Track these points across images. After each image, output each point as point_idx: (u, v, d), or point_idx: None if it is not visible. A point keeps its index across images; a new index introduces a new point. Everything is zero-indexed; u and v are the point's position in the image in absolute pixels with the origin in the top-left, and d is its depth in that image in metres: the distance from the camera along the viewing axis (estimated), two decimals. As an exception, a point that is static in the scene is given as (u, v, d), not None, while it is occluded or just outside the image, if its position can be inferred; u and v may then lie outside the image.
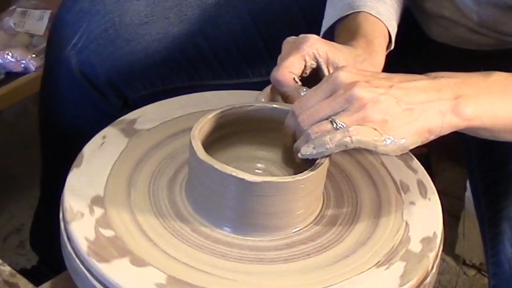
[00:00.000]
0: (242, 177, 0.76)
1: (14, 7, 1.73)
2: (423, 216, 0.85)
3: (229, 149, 0.87)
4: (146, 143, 0.89)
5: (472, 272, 1.63)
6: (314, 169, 0.78)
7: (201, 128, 0.81)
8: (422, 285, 0.79)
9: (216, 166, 0.77)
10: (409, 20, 1.04)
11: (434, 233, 0.83)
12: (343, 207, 0.85)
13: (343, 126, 0.76)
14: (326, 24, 0.98)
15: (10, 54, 1.59)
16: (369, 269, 0.78)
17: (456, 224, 1.57)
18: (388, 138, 0.76)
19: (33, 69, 1.59)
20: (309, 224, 0.82)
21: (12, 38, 1.65)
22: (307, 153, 0.77)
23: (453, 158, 1.50)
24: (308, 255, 0.79)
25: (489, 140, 0.85)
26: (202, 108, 0.93)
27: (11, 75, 1.59)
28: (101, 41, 1.09)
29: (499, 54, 1.08)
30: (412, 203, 0.86)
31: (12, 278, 0.86)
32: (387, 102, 0.76)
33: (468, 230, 1.57)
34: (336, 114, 0.76)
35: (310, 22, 1.15)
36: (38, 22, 1.70)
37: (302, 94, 0.83)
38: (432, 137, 0.79)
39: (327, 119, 0.77)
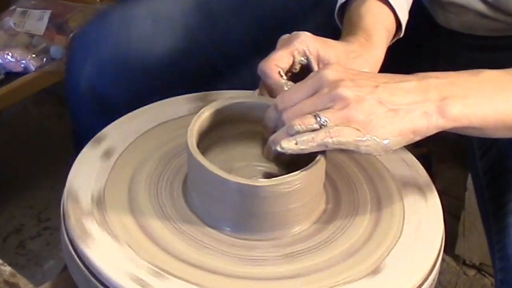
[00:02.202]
0: (239, 181, 0.76)
1: (14, 7, 1.73)
2: (423, 213, 0.85)
3: (226, 149, 0.87)
4: (144, 146, 0.89)
5: (472, 272, 1.63)
6: (310, 168, 0.78)
7: (197, 128, 0.81)
8: (425, 284, 0.79)
9: (212, 170, 0.77)
10: (417, 8, 1.04)
11: (435, 230, 0.83)
12: (342, 206, 0.85)
13: (326, 121, 0.76)
14: (337, 5, 0.98)
15: (10, 54, 1.59)
16: (372, 267, 0.78)
17: (456, 224, 1.58)
18: (371, 138, 0.76)
19: (33, 69, 1.59)
20: (309, 225, 0.82)
21: (12, 38, 1.65)
22: (289, 148, 0.76)
23: (453, 158, 1.50)
24: (310, 255, 0.79)
25: None
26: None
27: (11, 75, 1.59)
28: (111, 66, 1.09)
29: (508, 43, 1.08)
30: (411, 199, 0.86)
31: (12, 278, 0.86)
32: (370, 102, 0.76)
33: (468, 230, 1.57)
34: (320, 111, 0.76)
35: (308, 17, 1.15)
36: (38, 22, 1.70)
37: (285, 88, 0.83)
38: (417, 138, 0.79)
39: (310, 114, 0.76)
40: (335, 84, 0.77)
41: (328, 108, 0.76)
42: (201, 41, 1.12)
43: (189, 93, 1.03)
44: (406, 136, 0.77)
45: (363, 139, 0.76)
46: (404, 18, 0.97)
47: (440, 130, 0.79)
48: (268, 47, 1.13)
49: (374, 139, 0.76)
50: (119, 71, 1.09)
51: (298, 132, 0.76)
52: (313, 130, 0.76)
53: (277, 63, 0.84)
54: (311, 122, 0.76)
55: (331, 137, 0.75)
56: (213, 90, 1.10)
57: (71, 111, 1.18)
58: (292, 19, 1.16)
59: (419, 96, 0.78)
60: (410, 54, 1.11)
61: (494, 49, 1.08)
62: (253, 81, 1.15)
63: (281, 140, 0.76)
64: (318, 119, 0.76)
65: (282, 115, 0.78)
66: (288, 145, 0.76)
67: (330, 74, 0.78)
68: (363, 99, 0.76)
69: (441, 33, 1.12)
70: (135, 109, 1.01)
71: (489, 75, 0.82)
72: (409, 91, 0.78)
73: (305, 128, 0.76)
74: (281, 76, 0.84)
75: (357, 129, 0.75)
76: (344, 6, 0.98)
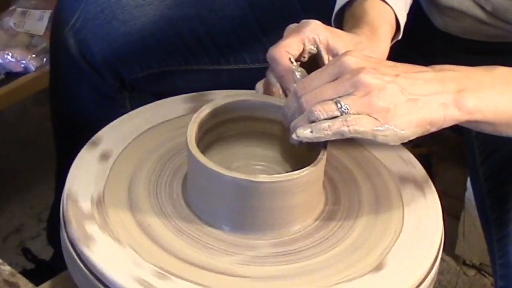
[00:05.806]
0: (239, 177, 0.76)
1: (14, 7, 1.73)
2: (422, 210, 0.85)
3: (226, 148, 0.87)
4: (142, 147, 0.89)
5: (472, 272, 1.63)
6: (314, 166, 0.78)
7: (197, 125, 0.81)
8: (424, 282, 0.79)
9: (212, 168, 0.77)
10: (415, 10, 1.04)
11: (434, 227, 0.83)
12: (342, 205, 0.85)
13: (347, 108, 0.75)
14: (336, 7, 0.98)
15: (10, 54, 1.58)
16: (371, 266, 0.78)
17: (456, 224, 1.57)
18: (389, 128, 0.75)
19: (33, 69, 1.59)
20: (309, 223, 0.82)
21: (12, 38, 1.65)
22: (304, 136, 0.76)
23: (453, 158, 1.50)
24: (309, 254, 0.79)
25: (493, 139, 0.85)
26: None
27: (11, 75, 1.58)
28: (98, 21, 1.12)
29: (506, 48, 1.08)
30: (410, 197, 0.86)
31: (12, 278, 0.86)
32: (393, 90, 0.76)
33: (468, 230, 1.57)
34: (340, 97, 0.76)
35: (307, 8, 1.15)
36: (38, 22, 1.70)
37: (296, 74, 0.82)
38: (433, 129, 0.78)
39: (331, 100, 0.76)
40: (357, 70, 0.76)
41: (349, 94, 0.76)
42: (188, 12, 1.14)
43: (172, 61, 1.06)
44: (423, 127, 0.77)
45: (381, 128, 0.75)
46: (402, 20, 0.97)
47: (455, 122, 0.79)
48: (258, 29, 1.14)
49: (392, 129, 0.75)
50: (102, 27, 1.12)
51: (318, 118, 0.75)
52: (332, 118, 0.75)
53: (287, 50, 0.83)
54: (331, 108, 0.75)
55: (348, 126, 0.75)
56: (193, 61, 1.14)
57: (53, 62, 1.21)
58: (287, 6, 1.16)
59: (437, 87, 0.77)
60: (407, 55, 1.11)
61: (492, 54, 1.08)
62: (236, 58, 1.16)
63: (297, 128, 0.76)
64: (339, 105, 0.75)
65: (301, 98, 0.77)
66: (304, 134, 0.76)
67: (352, 60, 0.77)
68: (385, 87, 0.75)
69: (438, 35, 1.12)
70: (112, 66, 1.05)
71: (503, 71, 0.81)
72: (428, 82, 0.78)
73: (326, 114, 0.75)
74: (292, 62, 0.83)
75: (375, 118, 0.75)
76: (341, 11, 0.97)
